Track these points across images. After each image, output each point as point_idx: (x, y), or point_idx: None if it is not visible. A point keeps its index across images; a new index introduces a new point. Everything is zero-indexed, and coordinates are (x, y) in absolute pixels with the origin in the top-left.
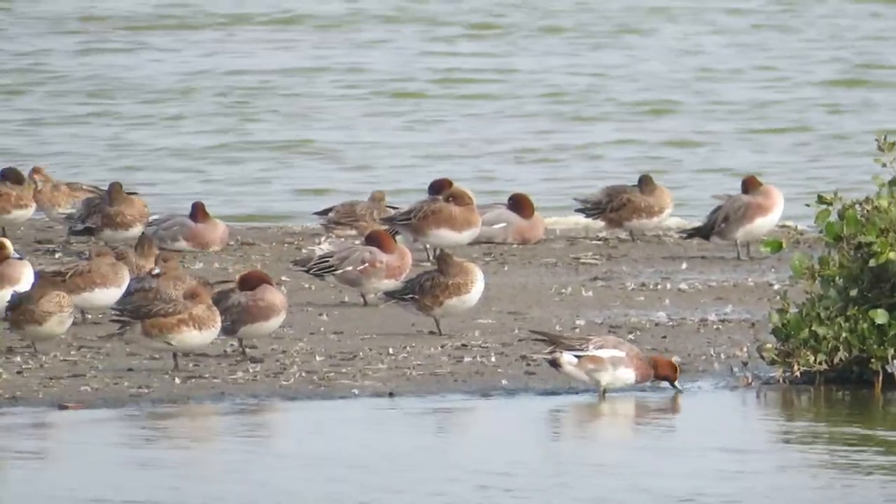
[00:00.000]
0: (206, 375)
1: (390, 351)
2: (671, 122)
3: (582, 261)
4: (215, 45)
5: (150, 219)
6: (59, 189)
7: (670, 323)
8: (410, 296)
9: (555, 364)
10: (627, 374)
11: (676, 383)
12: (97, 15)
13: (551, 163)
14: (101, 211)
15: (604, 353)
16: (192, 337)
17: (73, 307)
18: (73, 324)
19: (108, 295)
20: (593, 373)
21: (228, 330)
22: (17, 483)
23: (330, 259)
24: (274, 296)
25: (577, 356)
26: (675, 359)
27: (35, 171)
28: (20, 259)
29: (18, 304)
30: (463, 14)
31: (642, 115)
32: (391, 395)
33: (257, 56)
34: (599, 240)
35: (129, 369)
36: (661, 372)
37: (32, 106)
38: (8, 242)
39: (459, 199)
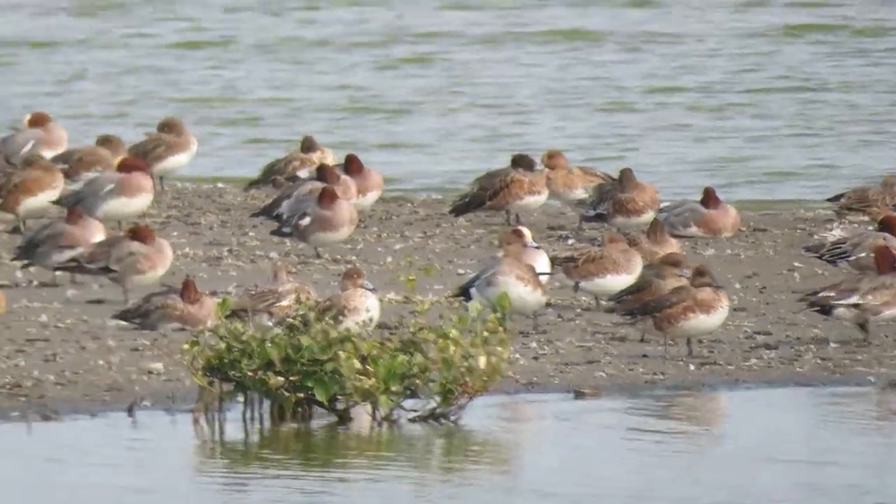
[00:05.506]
0: (721, 362)
1: None
2: None
3: None
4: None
5: (662, 205)
6: (572, 173)
7: None
8: None
9: None
10: None
11: None
12: None
13: None
14: (613, 197)
15: None
16: (700, 322)
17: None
18: (587, 309)
19: (620, 281)
20: None
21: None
22: (540, 468)
23: (843, 245)
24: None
25: None
26: None
27: (550, 156)
28: (537, 248)
29: None
30: None
31: None
32: None
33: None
34: None
35: (644, 355)
36: None
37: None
38: (526, 231)
39: None
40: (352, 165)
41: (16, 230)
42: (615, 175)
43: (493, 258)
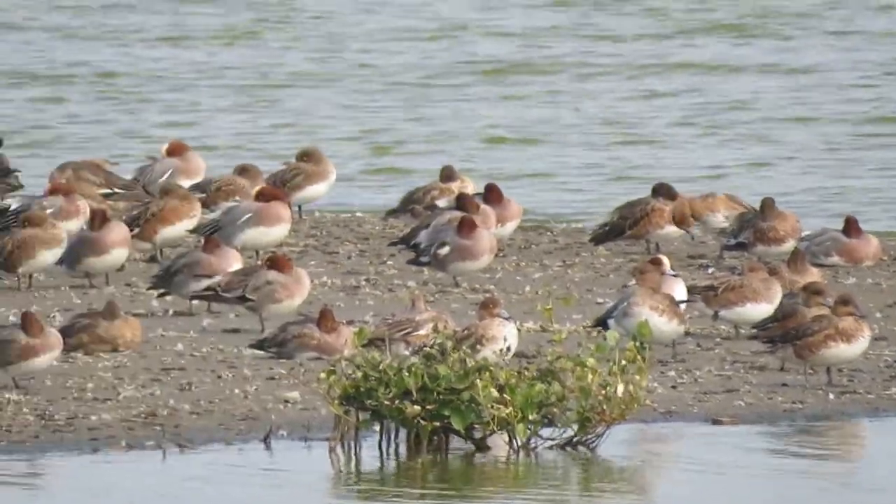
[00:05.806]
0: (861, 391)
1: None
2: None
3: None
4: None
5: (803, 234)
6: (714, 197)
7: None
8: None
9: None
10: None
11: None
12: None
13: None
14: (754, 226)
15: None
16: (841, 351)
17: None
18: (727, 338)
19: (759, 310)
20: None
21: None
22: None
23: None
24: None
25: None
26: None
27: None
28: (675, 276)
29: None
30: None
31: None
32: None
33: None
34: None
35: (783, 384)
36: None
37: None
38: (665, 259)
39: None
40: (491, 195)
41: (152, 259)
42: (757, 207)
43: (625, 287)
